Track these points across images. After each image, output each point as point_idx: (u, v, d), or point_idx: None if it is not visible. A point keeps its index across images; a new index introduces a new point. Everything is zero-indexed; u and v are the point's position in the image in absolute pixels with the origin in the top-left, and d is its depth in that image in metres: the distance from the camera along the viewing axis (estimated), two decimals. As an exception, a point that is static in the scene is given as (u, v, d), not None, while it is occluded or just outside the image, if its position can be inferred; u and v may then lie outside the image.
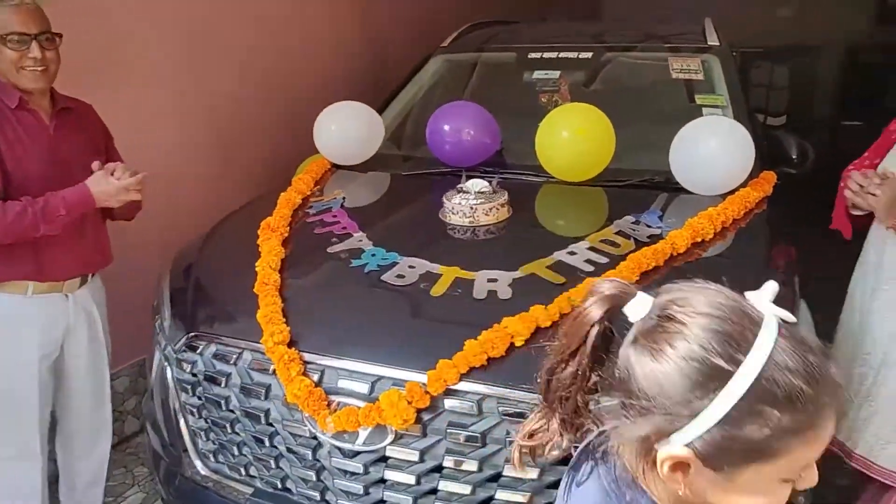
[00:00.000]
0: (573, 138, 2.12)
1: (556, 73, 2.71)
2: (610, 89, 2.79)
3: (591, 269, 1.65)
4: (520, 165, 2.35)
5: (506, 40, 3.09)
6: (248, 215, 2.12)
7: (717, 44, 2.72)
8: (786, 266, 1.79)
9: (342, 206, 2.13)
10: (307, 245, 1.90)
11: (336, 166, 2.56)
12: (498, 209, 1.93)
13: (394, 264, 1.72)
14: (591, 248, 1.74)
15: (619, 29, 3.09)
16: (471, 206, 1.90)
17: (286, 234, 1.94)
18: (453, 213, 1.93)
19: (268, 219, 1.98)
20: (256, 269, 1.74)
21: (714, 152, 2.00)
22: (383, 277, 1.67)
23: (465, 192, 1.95)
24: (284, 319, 1.56)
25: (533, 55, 2.82)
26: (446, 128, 2.32)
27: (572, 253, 1.72)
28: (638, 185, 2.17)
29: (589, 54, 2.77)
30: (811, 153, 2.37)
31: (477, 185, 1.96)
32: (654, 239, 1.78)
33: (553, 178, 2.22)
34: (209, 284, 1.83)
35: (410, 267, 1.70)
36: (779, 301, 0.71)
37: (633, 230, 1.83)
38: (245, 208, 2.26)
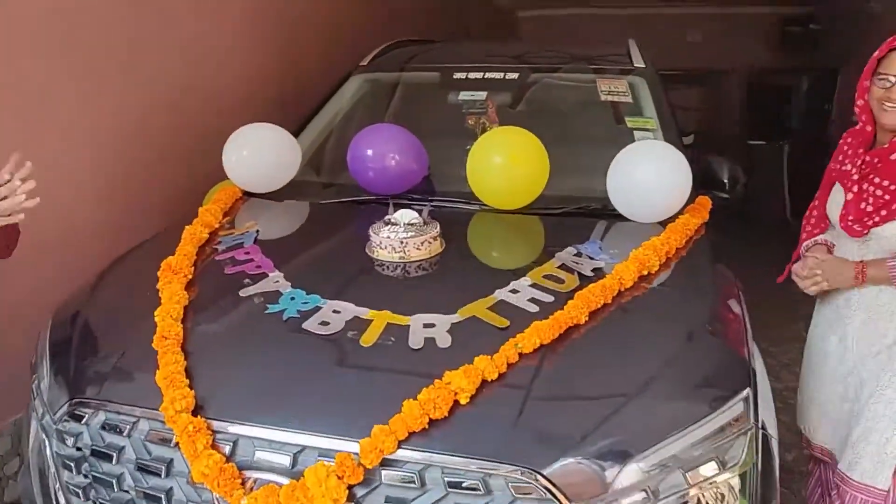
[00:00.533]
0: (506, 164, 2.00)
1: (483, 95, 2.59)
2: (538, 111, 2.69)
3: (535, 309, 1.51)
4: (450, 193, 2.20)
5: (429, 59, 2.96)
6: (147, 254, 1.86)
7: (643, 65, 2.68)
8: (733, 294, 1.71)
9: (255, 240, 1.91)
10: (215, 288, 1.67)
11: (248, 194, 2.33)
12: (430, 242, 1.77)
13: (316, 309, 1.52)
14: (535, 286, 1.60)
15: (543, 50, 3.01)
16: (401, 239, 1.73)
17: (191, 276, 1.70)
18: (381, 248, 1.75)
19: (169, 258, 1.74)
20: (156, 319, 1.50)
21: (653, 178, 1.92)
22: (305, 325, 1.47)
23: (393, 223, 1.78)
24: (188, 381, 1.33)
25: (458, 75, 2.70)
26: (369, 153, 2.14)
27: (514, 291, 1.58)
28: (574, 213, 2.06)
29: (515, 75, 2.67)
30: (742, 177, 2.34)
31: (406, 215, 1.80)
32: (599, 273, 1.67)
33: (486, 205, 2.09)
34: (99, 338, 1.57)
35: (335, 312, 1.51)
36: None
37: (576, 263, 1.71)
38: (143, 245, 2.00)
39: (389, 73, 2.90)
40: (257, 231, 1.97)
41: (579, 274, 1.66)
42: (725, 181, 2.34)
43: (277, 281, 1.66)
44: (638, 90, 2.56)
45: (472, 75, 2.68)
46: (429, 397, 1.22)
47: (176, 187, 2.88)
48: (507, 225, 2.05)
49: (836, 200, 1.75)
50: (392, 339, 1.42)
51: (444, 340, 1.40)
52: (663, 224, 1.94)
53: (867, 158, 1.67)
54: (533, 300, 1.54)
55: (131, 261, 1.90)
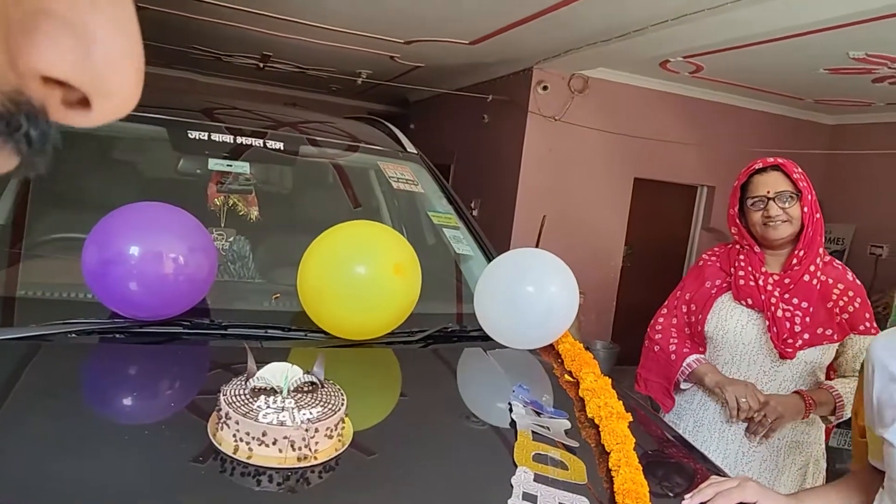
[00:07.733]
0: (376, 276, 1.35)
1: (246, 167, 1.84)
2: (308, 197, 2.06)
3: (585, 527, 0.94)
4: (247, 315, 1.41)
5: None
6: None
7: (415, 151, 2.30)
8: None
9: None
10: None
11: None
12: (343, 422, 1.01)
13: None
14: (541, 479, 1.02)
15: (290, 113, 2.36)
16: (305, 423, 0.94)
17: None
18: (264, 444, 0.92)
19: None
20: None
21: (549, 297, 1.53)
22: None
23: (268, 391, 0.98)
24: None
25: (195, 134, 1.87)
26: (134, 251, 1.22)
27: (531, 498, 0.97)
28: (431, 338, 1.52)
29: (279, 144, 1.98)
30: None
31: (285, 373, 1.01)
32: (573, 437, 1.18)
33: (316, 334, 1.38)
34: None
35: None
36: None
37: (543, 428, 1.19)
38: None
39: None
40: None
41: (565, 446, 1.15)
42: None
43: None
44: (422, 178, 2.16)
45: (219, 137, 1.88)
46: None
47: None
48: (380, 370, 1.38)
49: (735, 320, 1.63)
50: None
51: None
52: (543, 351, 1.57)
53: (775, 278, 1.60)
54: (568, 510, 0.97)
55: None
